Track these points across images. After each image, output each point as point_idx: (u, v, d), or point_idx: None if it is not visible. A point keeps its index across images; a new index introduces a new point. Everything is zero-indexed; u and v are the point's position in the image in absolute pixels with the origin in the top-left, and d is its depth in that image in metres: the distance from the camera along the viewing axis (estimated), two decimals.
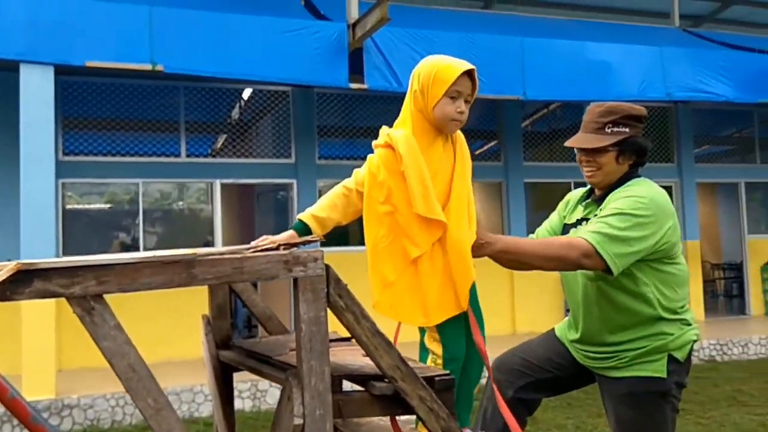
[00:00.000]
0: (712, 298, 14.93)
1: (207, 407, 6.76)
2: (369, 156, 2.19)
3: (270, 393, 7.05)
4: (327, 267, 1.72)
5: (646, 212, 2.45)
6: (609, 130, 2.60)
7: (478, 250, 2.22)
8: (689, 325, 2.58)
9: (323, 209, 2.13)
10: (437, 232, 2.08)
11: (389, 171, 2.09)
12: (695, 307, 11.44)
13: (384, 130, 2.19)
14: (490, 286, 9.52)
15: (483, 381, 2.42)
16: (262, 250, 1.77)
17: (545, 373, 2.76)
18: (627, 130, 2.60)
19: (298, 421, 1.62)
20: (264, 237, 1.98)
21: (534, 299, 9.91)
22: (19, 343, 6.36)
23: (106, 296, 1.53)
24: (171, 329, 8.20)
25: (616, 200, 2.52)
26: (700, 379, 7.96)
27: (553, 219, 2.91)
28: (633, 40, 9.84)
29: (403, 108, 2.24)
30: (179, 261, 1.54)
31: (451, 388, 1.87)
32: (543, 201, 11.20)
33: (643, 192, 2.53)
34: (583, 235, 2.42)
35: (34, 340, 6.38)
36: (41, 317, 6.41)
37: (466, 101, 2.17)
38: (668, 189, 11.64)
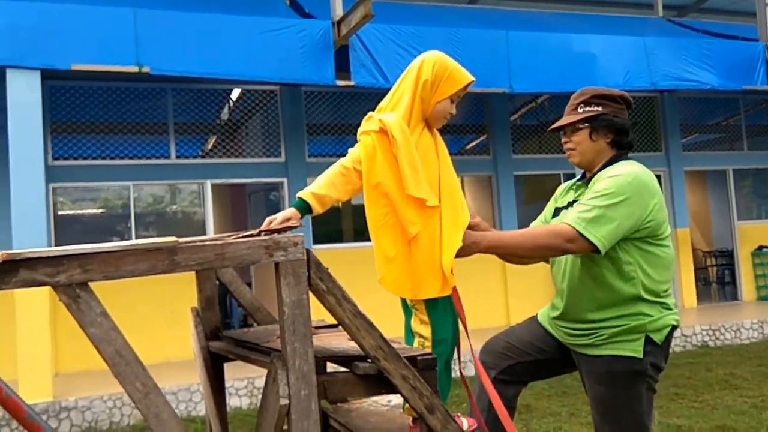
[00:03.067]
0: (704, 285, 15.03)
1: (203, 405, 6.79)
2: (363, 138, 2.25)
3: None
4: (308, 251, 1.76)
5: (629, 189, 2.51)
6: (580, 110, 2.74)
7: (466, 250, 2.30)
8: (669, 309, 2.63)
9: (322, 187, 2.19)
10: (431, 212, 2.18)
11: (384, 154, 2.18)
12: (687, 295, 11.54)
13: (374, 115, 2.27)
14: (485, 280, 9.62)
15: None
16: (243, 237, 1.81)
17: (526, 356, 2.81)
18: (599, 108, 2.70)
19: (284, 401, 1.67)
20: (269, 219, 2.06)
21: (527, 291, 9.97)
22: (15, 349, 6.37)
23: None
24: (168, 331, 8.23)
25: (600, 181, 2.58)
26: (693, 363, 8.03)
27: (547, 208, 3.00)
28: (617, 31, 9.92)
29: (398, 91, 2.32)
30: (161, 248, 1.58)
31: (433, 367, 1.92)
32: (533, 193, 11.27)
33: (626, 170, 2.59)
34: (566, 220, 2.49)
35: (29, 344, 6.41)
36: (36, 321, 6.44)
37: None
38: (657, 178, 11.69)
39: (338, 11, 7.85)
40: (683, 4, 13.26)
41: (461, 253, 2.26)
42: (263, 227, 2.00)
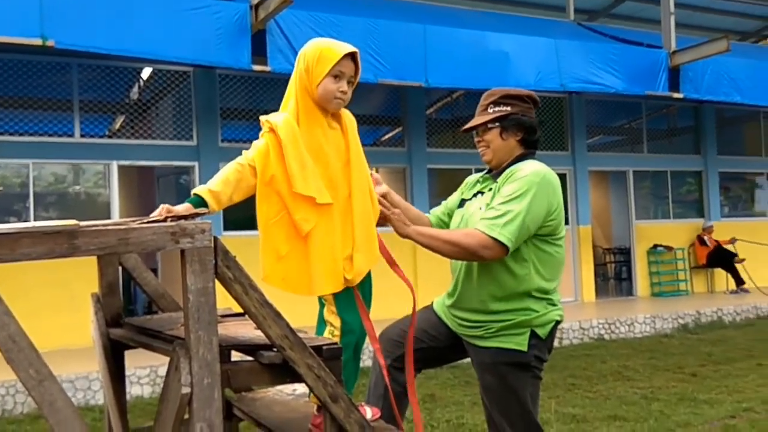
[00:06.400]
0: (602, 281, 15.72)
1: (102, 394, 6.58)
2: (255, 141, 2.25)
3: None
4: (215, 239, 1.74)
5: (536, 189, 2.63)
6: (491, 110, 2.84)
7: (401, 228, 2.67)
8: (554, 305, 2.77)
9: (218, 184, 2.15)
10: (325, 208, 2.18)
11: (275, 152, 2.17)
12: (586, 289, 12.04)
13: (263, 118, 2.26)
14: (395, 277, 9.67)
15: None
16: (148, 222, 1.77)
17: (420, 343, 2.88)
18: (508, 108, 2.81)
19: (186, 390, 1.64)
20: (161, 206, 1.98)
21: (435, 281, 10.13)
22: None
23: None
24: (67, 317, 7.91)
25: (509, 183, 2.69)
26: (588, 356, 8.39)
27: (451, 199, 3.09)
28: (531, 32, 10.19)
29: (288, 89, 2.32)
30: (61, 231, 1.53)
31: (338, 356, 1.94)
32: (446, 187, 11.46)
33: (532, 169, 2.70)
34: (479, 226, 2.60)
35: None
36: None
37: (349, 82, 2.29)
38: (563, 176, 12.16)
39: None
40: (594, 9, 13.77)
41: (399, 231, 2.65)
42: (158, 215, 1.94)
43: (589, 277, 12.15)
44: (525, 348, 2.68)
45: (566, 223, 11.89)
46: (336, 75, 2.24)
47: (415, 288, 2.43)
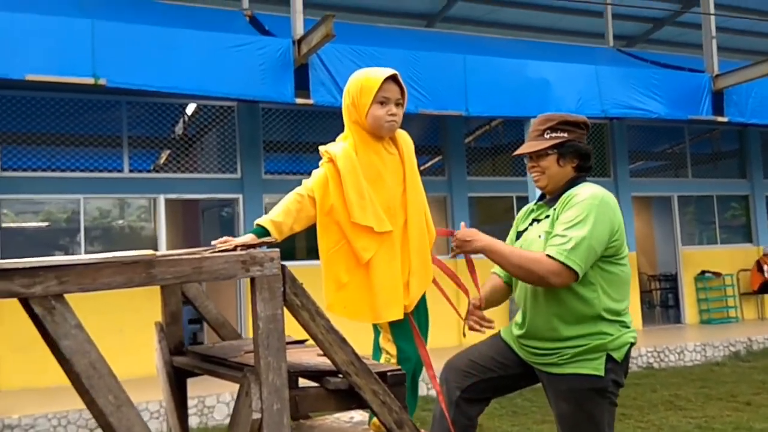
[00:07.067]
0: (648, 308, 15.42)
1: (153, 424, 6.65)
2: (315, 171, 2.31)
3: (217, 409, 6.98)
4: (283, 266, 1.79)
5: (597, 212, 2.61)
6: (547, 136, 2.81)
7: (466, 245, 2.59)
8: (627, 327, 2.72)
9: (280, 215, 2.20)
10: (385, 236, 2.22)
11: (335, 183, 2.23)
12: (633, 316, 11.78)
13: (322, 148, 2.33)
14: (438, 297, 9.66)
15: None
16: (219, 251, 1.82)
17: (490, 373, 2.87)
18: (565, 135, 2.79)
19: (256, 415, 1.68)
20: (225, 238, 2.03)
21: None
22: None
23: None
24: (116, 347, 8.04)
25: (569, 209, 2.66)
26: (638, 385, 8.22)
27: (510, 235, 3.07)
28: (570, 59, 10.19)
29: (345, 123, 2.37)
30: (139, 261, 1.59)
31: (402, 383, 1.95)
32: (486, 214, 11.45)
33: (590, 193, 2.68)
34: (547, 251, 2.56)
35: None
36: None
37: (397, 104, 2.34)
38: None
39: (299, 30, 7.90)
40: (632, 35, 13.73)
41: (462, 248, 2.58)
42: (220, 244, 1.99)
43: (635, 304, 11.93)
44: (602, 372, 2.63)
45: None
46: (381, 101, 2.29)
47: (460, 323, 2.44)
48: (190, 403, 6.88)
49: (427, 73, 8.58)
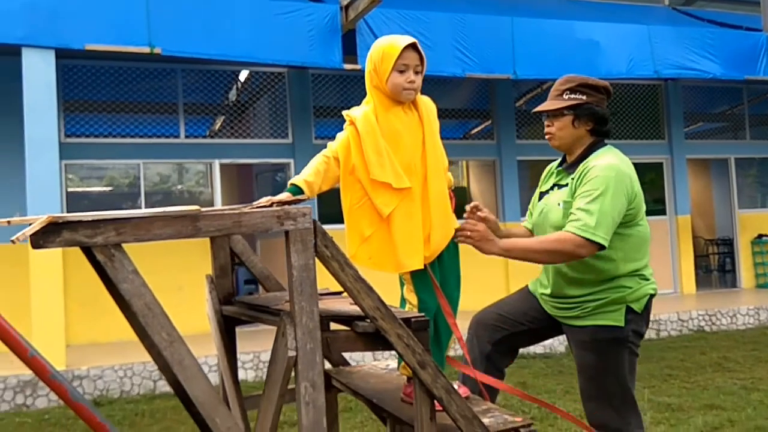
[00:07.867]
0: (705, 273, 15.19)
1: (213, 377, 7.03)
2: (339, 134, 2.48)
3: None
4: (314, 221, 1.96)
5: (614, 184, 2.68)
6: (566, 96, 2.91)
7: (484, 246, 2.59)
8: (647, 279, 2.84)
9: (311, 174, 2.40)
10: (405, 192, 2.37)
11: (355, 145, 2.40)
12: (686, 281, 11.72)
13: (345, 112, 2.50)
14: (486, 268, 9.78)
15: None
16: (257, 207, 2.01)
17: (520, 327, 3.02)
18: (584, 97, 2.87)
19: (291, 353, 1.87)
20: (266, 198, 2.25)
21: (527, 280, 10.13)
22: (30, 318, 6.60)
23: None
24: (177, 304, 8.44)
25: (587, 181, 2.72)
26: (687, 347, 8.22)
27: (533, 200, 3.18)
28: (621, 19, 10.02)
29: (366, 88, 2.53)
30: (186, 215, 1.78)
31: (425, 328, 2.12)
32: (536, 178, 11.34)
33: (607, 163, 2.74)
34: (569, 228, 2.65)
35: (43, 313, 6.63)
36: (50, 290, 6.66)
37: (416, 72, 2.45)
38: (659, 165, 11.87)
39: None
40: None
41: (484, 248, 2.59)
42: (260, 202, 2.21)
43: (689, 268, 11.81)
44: (622, 323, 2.76)
45: (663, 213, 11.65)
46: (401, 69, 2.41)
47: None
48: (246, 357, 7.23)
49: (474, 37, 8.58)
